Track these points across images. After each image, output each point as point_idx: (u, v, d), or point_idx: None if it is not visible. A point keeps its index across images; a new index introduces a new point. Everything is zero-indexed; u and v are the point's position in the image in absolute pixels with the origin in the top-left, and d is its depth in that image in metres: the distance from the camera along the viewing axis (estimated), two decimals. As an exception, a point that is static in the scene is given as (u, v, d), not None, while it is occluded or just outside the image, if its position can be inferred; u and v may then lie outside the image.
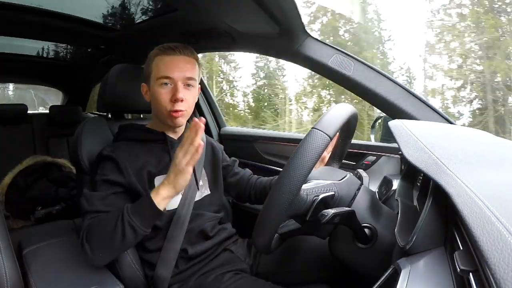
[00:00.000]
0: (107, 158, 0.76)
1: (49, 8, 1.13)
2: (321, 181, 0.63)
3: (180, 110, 0.76)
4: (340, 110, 0.59)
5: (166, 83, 0.75)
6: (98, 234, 0.67)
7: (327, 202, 0.60)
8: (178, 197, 0.80)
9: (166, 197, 0.68)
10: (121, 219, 0.65)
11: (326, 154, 0.86)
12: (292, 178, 0.50)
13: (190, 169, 0.66)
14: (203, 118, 0.64)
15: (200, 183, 0.87)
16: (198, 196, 0.85)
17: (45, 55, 1.83)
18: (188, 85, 0.77)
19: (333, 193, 0.61)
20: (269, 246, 0.60)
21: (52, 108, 2.01)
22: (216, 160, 0.95)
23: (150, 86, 0.78)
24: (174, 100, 0.75)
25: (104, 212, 0.70)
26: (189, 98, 0.78)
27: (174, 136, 0.86)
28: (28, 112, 1.94)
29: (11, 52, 1.68)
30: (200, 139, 0.64)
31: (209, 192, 0.89)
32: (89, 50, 1.70)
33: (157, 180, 0.79)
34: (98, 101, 0.95)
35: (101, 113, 1.41)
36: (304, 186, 0.60)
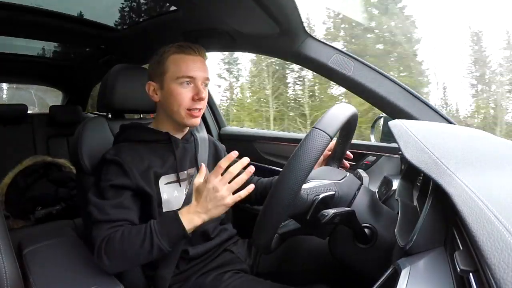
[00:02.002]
0: (110, 162, 0.74)
1: (49, 8, 1.14)
2: (321, 181, 0.63)
3: (200, 109, 0.78)
4: (341, 109, 0.59)
5: (188, 83, 0.76)
6: (121, 248, 0.66)
7: (327, 202, 0.60)
8: (182, 197, 0.81)
9: (198, 225, 0.67)
10: (150, 239, 0.65)
11: (327, 153, 0.86)
12: (293, 178, 0.50)
13: (232, 201, 0.66)
14: (236, 152, 0.67)
15: None
16: None
17: (45, 55, 1.83)
18: (206, 84, 0.79)
19: (333, 192, 0.61)
20: (269, 246, 0.60)
21: (52, 108, 2.01)
22: (218, 160, 0.95)
23: (164, 85, 0.77)
24: (198, 99, 0.76)
25: (120, 221, 0.69)
26: (206, 97, 0.79)
27: (179, 136, 0.85)
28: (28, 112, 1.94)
29: (11, 52, 1.68)
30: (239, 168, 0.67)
31: None
32: (89, 50, 1.70)
33: (162, 180, 0.78)
34: (98, 101, 0.95)
35: (101, 113, 1.42)
36: (305, 186, 0.60)
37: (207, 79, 0.78)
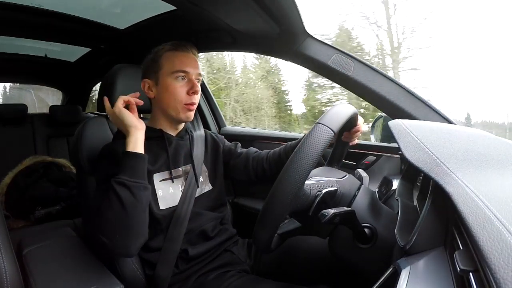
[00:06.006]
0: (105, 155, 0.77)
1: (49, 8, 1.13)
2: (324, 178, 0.64)
3: (195, 103, 0.81)
4: (344, 108, 0.60)
5: (182, 77, 0.79)
6: (101, 218, 0.66)
7: (328, 201, 0.60)
8: (178, 193, 0.81)
9: (130, 141, 0.71)
10: (108, 187, 0.66)
11: (360, 126, 0.80)
12: (297, 171, 0.50)
13: (122, 110, 0.75)
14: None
15: (201, 179, 0.87)
16: (198, 192, 0.85)
17: (45, 55, 1.83)
18: (198, 80, 0.81)
19: (335, 188, 0.61)
20: (270, 244, 0.59)
21: (52, 108, 2.01)
22: (217, 155, 0.94)
23: (159, 81, 0.80)
24: (193, 92, 0.79)
25: None
26: (199, 92, 0.82)
27: (173, 133, 0.86)
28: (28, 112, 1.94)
29: (11, 52, 1.68)
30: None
31: (210, 188, 0.89)
32: (89, 50, 1.70)
33: (156, 177, 0.79)
34: (99, 101, 0.95)
35: (101, 113, 1.42)
36: (307, 182, 0.60)
37: (200, 74, 0.82)
